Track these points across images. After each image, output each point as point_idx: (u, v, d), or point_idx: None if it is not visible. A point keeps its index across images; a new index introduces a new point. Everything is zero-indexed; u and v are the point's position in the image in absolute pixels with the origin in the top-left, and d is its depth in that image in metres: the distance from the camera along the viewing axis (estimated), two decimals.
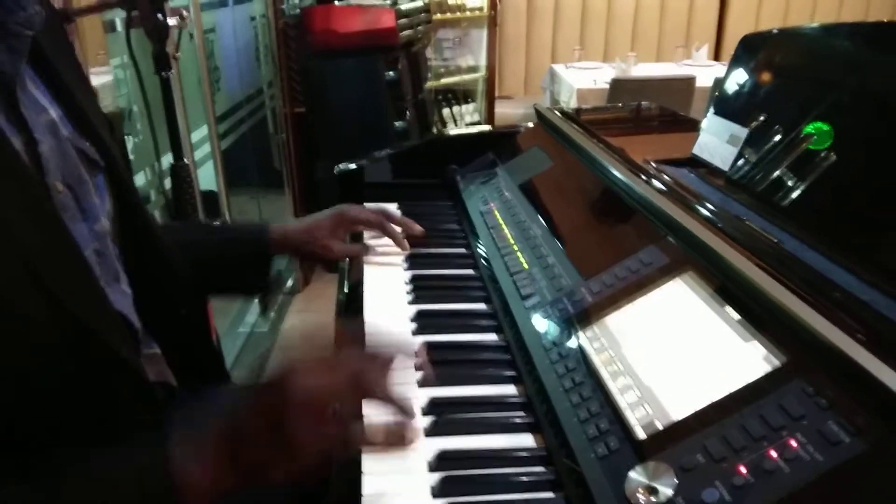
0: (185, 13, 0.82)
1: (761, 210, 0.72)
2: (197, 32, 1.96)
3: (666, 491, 0.43)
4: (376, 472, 0.54)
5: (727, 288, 0.56)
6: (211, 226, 0.98)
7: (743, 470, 0.42)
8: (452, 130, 3.86)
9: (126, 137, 1.54)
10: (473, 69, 4.18)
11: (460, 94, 4.20)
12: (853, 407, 0.41)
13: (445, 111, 4.15)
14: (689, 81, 3.42)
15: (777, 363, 0.47)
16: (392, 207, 1.07)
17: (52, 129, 0.56)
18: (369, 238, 1.00)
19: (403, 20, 2.95)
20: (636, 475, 0.45)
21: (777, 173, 0.72)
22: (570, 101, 3.81)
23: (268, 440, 0.48)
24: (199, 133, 2.28)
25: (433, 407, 0.61)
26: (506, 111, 4.51)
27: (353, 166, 1.20)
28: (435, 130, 3.89)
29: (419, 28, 3.14)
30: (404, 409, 0.57)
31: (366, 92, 2.83)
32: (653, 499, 0.43)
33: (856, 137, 0.66)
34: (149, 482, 0.47)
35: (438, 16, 3.75)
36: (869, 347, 0.42)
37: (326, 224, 0.92)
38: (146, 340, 0.68)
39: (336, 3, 2.85)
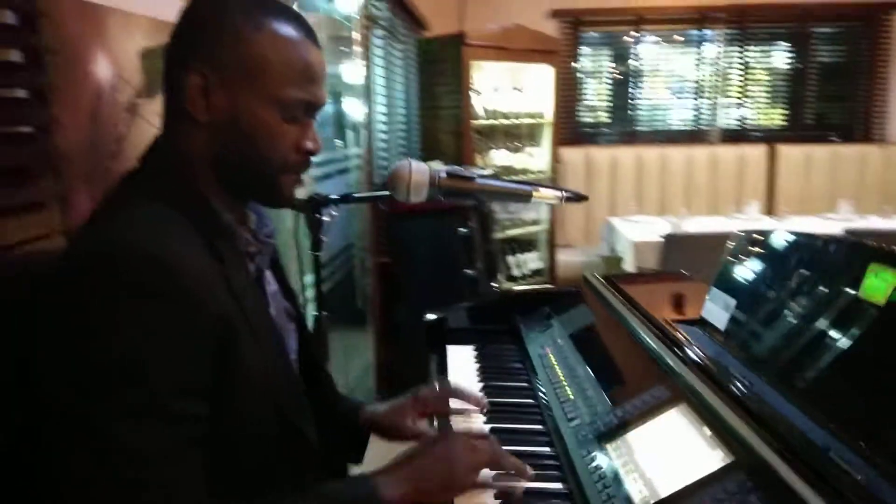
0: (333, 213, 1.20)
1: (743, 359, 0.99)
2: None
3: None
4: None
5: (705, 417, 0.83)
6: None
7: None
8: (515, 281, 4.22)
9: None
10: (536, 222, 4.61)
11: (524, 244, 4.61)
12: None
13: (511, 258, 4.54)
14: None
15: (723, 463, 0.73)
16: (467, 355, 1.36)
17: (275, 296, 0.92)
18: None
19: None
20: None
21: (754, 333, 1.00)
22: (626, 253, 4.13)
23: (439, 479, 0.78)
24: (308, 279, 2.70)
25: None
26: (567, 258, 4.87)
27: (436, 316, 1.53)
28: (501, 277, 4.26)
29: None
30: (517, 466, 0.86)
31: (441, 245, 3.25)
32: None
33: (818, 318, 0.94)
34: (359, 495, 0.76)
35: (505, 178, 4.25)
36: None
37: (404, 408, 1.09)
38: None
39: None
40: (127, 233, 0.70)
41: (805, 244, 0.99)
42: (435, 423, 1.13)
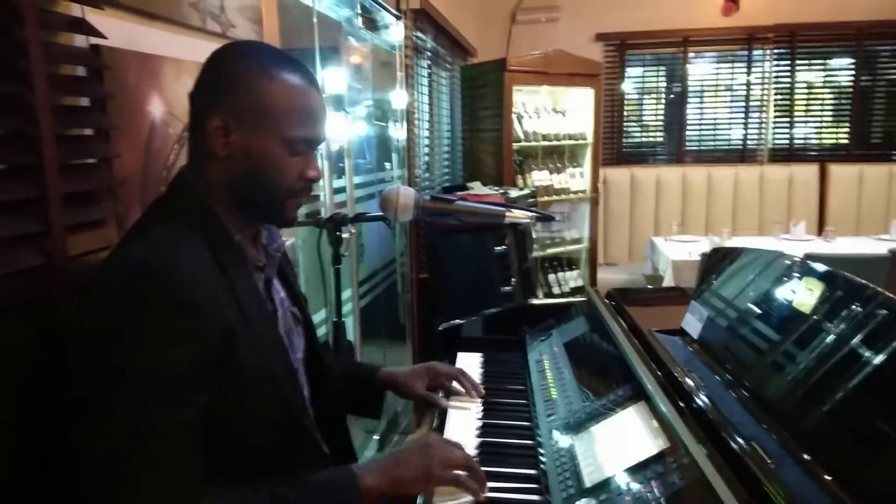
0: (353, 230, 1.36)
1: (707, 361, 1.08)
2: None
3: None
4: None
5: (654, 412, 0.94)
6: (349, 362, 1.46)
7: (626, 500, 0.79)
8: (554, 298, 4.30)
9: None
10: (577, 240, 4.69)
11: (565, 262, 4.69)
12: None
13: (551, 276, 4.63)
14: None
15: (660, 448, 0.84)
16: (474, 362, 1.50)
17: (283, 302, 1.07)
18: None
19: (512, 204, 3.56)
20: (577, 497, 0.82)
21: (716, 341, 1.10)
22: (666, 271, 4.16)
23: (415, 472, 0.91)
24: (346, 293, 2.89)
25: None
26: (609, 276, 4.92)
27: (453, 325, 1.67)
28: (541, 294, 4.35)
29: None
30: (482, 479, 0.96)
31: (478, 262, 3.38)
32: None
33: (766, 326, 1.03)
34: (342, 484, 0.89)
35: (545, 198, 4.36)
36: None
37: (418, 373, 1.32)
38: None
39: (457, 192, 3.52)
40: (141, 252, 0.87)
41: (762, 260, 1.08)
42: (440, 394, 1.31)
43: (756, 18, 5.15)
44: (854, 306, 0.84)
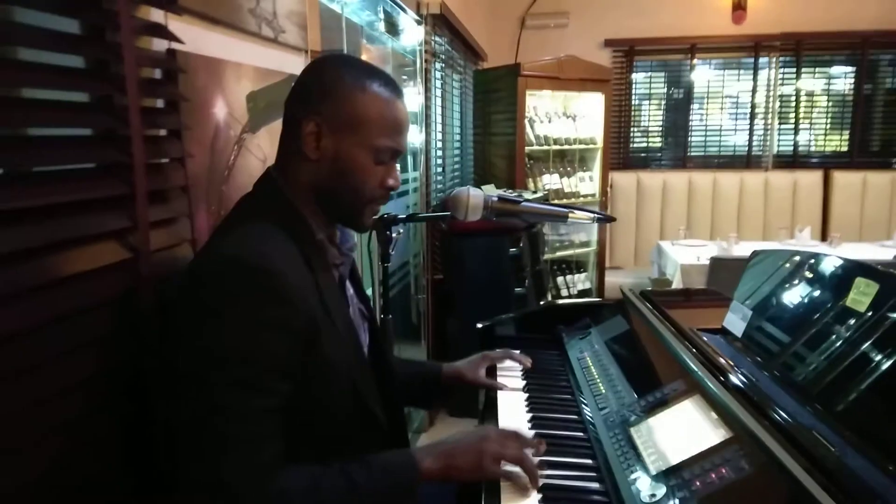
0: (401, 230, 1.41)
1: (752, 357, 1.14)
2: None
3: (660, 491, 0.85)
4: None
5: (713, 404, 0.99)
6: (406, 361, 1.53)
7: (697, 484, 0.84)
8: (562, 299, 4.36)
9: None
10: (586, 244, 4.75)
11: (573, 265, 4.75)
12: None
13: (560, 279, 4.69)
14: None
15: (722, 438, 0.89)
16: (515, 373, 1.56)
17: (352, 300, 1.12)
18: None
19: None
20: (645, 488, 0.87)
21: (766, 338, 1.15)
22: (674, 275, 4.22)
23: (468, 462, 0.96)
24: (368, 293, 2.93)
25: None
26: (616, 280, 4.98)
27: (488, 324, 1.72)
28: (549, 296, 4.41)
29: None
30: (534, 475, 1.01)
31: (492, 264, 3.44)
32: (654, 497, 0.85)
33: (815, 325, 1.09)
34: (403, 467, 0.94)
35: (556, 201, 4.41)
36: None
37: (476, 362, 1.44)
38: None
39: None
40: (238, 244, 0.92)
41: (804, 261, 1.14)
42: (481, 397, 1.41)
43: (762, 27, 5.23)
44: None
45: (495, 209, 1.24)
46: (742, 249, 4.25)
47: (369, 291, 1.45)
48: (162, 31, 1.09)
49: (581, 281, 4.70)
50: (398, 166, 1.06)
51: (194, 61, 1.21)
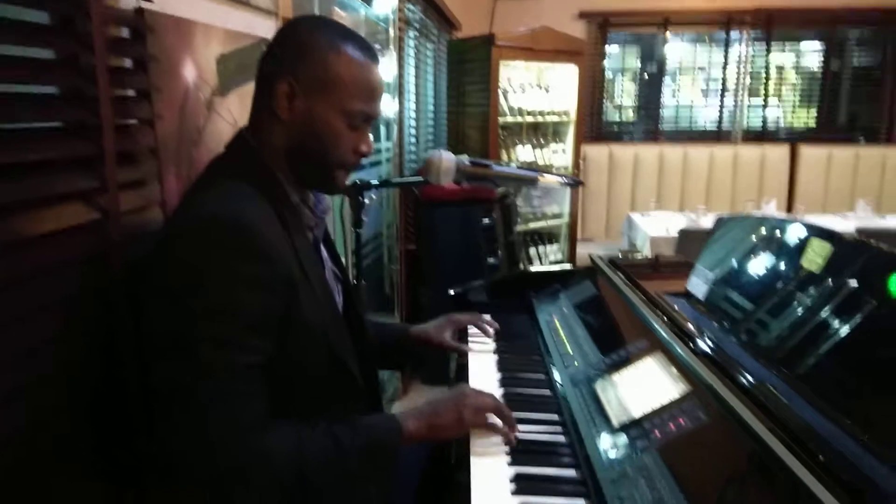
0: (374, 196, 1.42)
1: (714, 319, 1.18)
2: None
3: (622, 442, 0.89)
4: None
5: (673, 361, 1.03)
6: (376, 322, 1.54)
7: (656, 433, 0.88)
8: (534, 267, 4.42)
9: None
10: (558, 216, 4.79)
11: (546, 236, 4.80)
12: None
13: (532, 250, 4.73)
14: None
15: (681, 392, 0.93)
16: (486, 316, 1.59)
17: (326, 262, 1.13)
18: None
19: None
20: (608, 439, 0.91)
21: (723, 299, 1.19)
22: (644, 246, 4.30)
23: (450, 418, 0.99)
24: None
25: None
26: (587, 251, 5.05)
27: (461, 290, 1.74)
28: (521, 266, 4.46)
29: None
30: (511, 423, 1.05)
31: (465, 235, 3.46)
32: (616, 448, 0.89)
33: (772, 286, 1.13)
34: (386, 430, 0.97)
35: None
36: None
37: (443, 325, 1.45)
38: None
39: None
40: (216, 202, 0.92)
41: (762, 226, 1.18)
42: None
43: (735, 1, 5.27)
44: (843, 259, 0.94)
45: (467, 172, 1.25)
46: (710, 221, 4.32)
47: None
48: None
49: (553, 252, 4.76)
50: (371, 133, 1.07)
51: (163, 21, 1.19)
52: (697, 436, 0.85)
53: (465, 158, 1.28)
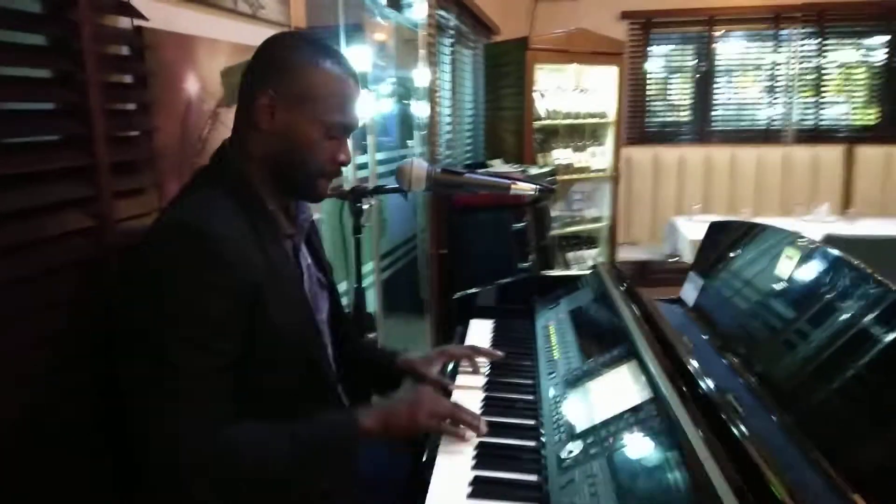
0: (374, 202, 1.46)
1: (700, 326, 1.16)
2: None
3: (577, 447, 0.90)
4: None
5: (644, 368, 1.02)
6: (369, 344, 1.51)
7: (610, 441, 0.88)
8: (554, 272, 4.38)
9: None
10: (597, 219, 4.74)
11: (584, 240, 4.75)
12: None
13: (570, 254, 4.69)
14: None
15: (644, 398, 0.93)
16: (485, 329, 1.59)
17: (309, 269, 1.17)
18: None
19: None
20: (566, 445, 0.91)
21: (707, 307, 1.17)
22: (685, 250, 4.20)
23: (404, 419, 1.01)
24: (367, 267, 2.99)
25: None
26: (629, 255, 4.97)
27: (465, 294, 1.76)
28: (558, 271, 4.42)
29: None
30: (467, 424, 1.07)
31: (496, 239, 3.47)
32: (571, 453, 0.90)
33: (752, 293, 1.10)
34: (343, 424, 1.00)
35: (566, 176, 4.41)
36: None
37: (432, 358, 1.37)
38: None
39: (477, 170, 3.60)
40: (183, 212, 0.98)
41: (750, 233, 1.15)
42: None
43: None
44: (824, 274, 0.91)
45: (439, 180, 1.27)
46: None
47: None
48: (126, 9, 1.14)
49: (592, 257, 4.70)
50: (350, 142, 1.10)
51: (163, 38, 1.26)
52: (646, 445, 0.84)
53: (436, 167, 1.30)
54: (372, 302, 2.94)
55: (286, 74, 1.04)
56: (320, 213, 2.12)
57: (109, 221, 1.08)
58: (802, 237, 1.01)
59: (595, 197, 4.81)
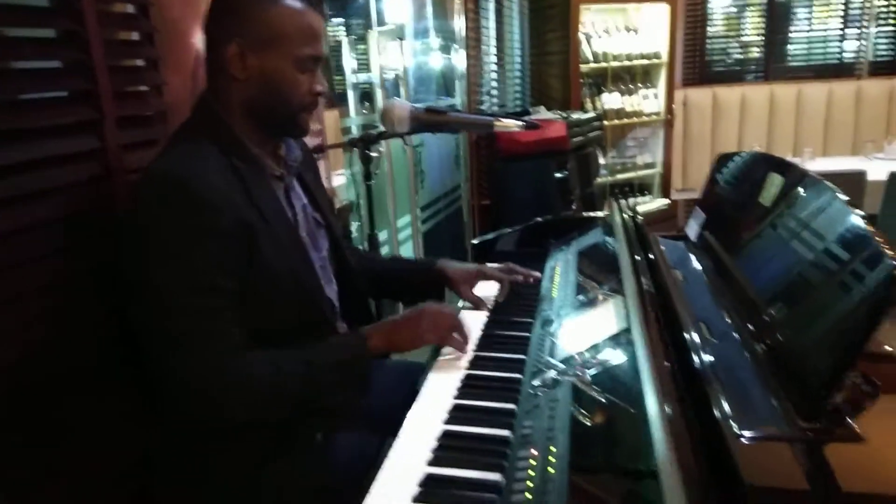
0: (381, 150, 1.48)
1: (700, 258, 1.15)
2: (408, 150, 2.75)
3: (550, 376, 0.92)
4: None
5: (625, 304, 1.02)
6: (398, 258, 1.62)
7: (578, 371, 0.89)
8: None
9: (352, 221, 2.30)
10: (650, 165, 4.60)
11: (637, 188, 4.63)
12: None
13: (623, 203, 4.59)
14: (859, 176, 3.48)
15: (619, 329, 0.93)
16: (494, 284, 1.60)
17: (303, 208, 1.22)
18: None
19: (575, 129, 3.56)
20: (540, 375, 0.94)
21: (712, 242, 1.15)
22: None
23: (408, 333, 1.08)
24: (405, 220, 3.04)
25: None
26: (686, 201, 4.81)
27: (482, 240, 1.78)
28: None
29: (590, 135, 3.71)
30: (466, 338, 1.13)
31: (538, 188, 3.44)
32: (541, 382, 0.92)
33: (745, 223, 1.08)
34: (354, 342, 1.08)
35: (616, 121, 4.28)
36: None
37: (471, 273, 1.44)
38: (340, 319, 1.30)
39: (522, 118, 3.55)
40: (164, 163, 1.03)
41: (751, 163, 1.12)
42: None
43: None
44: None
45: (421, 119, 1.28)
46: (819, 165, 3.98)
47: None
48: None
49: (644, 203, 4.59)
50: (320, 72, 1.13)
51: None
52: (611, 377, 0.85)
53: (419, 106, 1.30)
54: (410, 253, 3.00)
55: (248, 21, 1.06)
56: (345, 169, 2.17)
57: (119, 171, 1.15)
58: (795, 166, 0.97)
59: (648, 142, 4.67)
